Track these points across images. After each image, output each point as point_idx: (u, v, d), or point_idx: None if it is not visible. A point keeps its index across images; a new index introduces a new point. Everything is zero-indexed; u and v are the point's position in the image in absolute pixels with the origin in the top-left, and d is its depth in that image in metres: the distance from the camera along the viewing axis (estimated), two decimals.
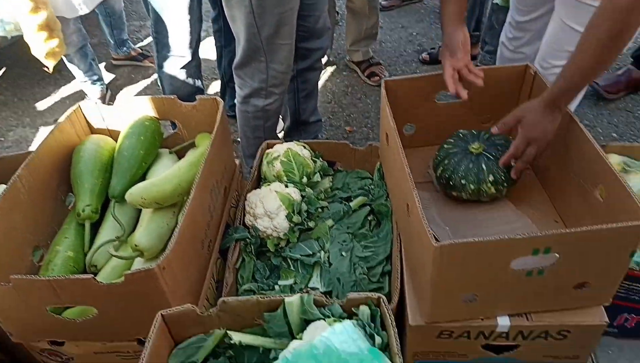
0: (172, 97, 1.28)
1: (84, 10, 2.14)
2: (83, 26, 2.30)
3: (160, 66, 1.90)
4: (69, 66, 2.37)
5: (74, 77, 2.55)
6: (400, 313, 1.07)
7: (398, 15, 3.05)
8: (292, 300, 0.78)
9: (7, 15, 2.01)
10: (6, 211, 1.00)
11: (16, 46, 2.51)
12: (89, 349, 0.99)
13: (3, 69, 2.74)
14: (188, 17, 1.77)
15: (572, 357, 1.05)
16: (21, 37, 2.00)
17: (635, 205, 0.86)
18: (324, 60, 2.51)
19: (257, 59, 1.54)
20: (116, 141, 1.27)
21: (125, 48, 2.79)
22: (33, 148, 2.20)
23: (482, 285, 0.92)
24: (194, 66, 1.94)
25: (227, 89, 2.20)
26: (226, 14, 1.52)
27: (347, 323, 0.67)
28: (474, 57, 2.57)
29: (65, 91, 2.59)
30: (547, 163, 1.22)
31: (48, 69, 2.07)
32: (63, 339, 0.99)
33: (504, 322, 0.98)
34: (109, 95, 2.57)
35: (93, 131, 1.33)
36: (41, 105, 2.51)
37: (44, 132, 2.40)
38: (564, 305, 0.97)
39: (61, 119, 1.24)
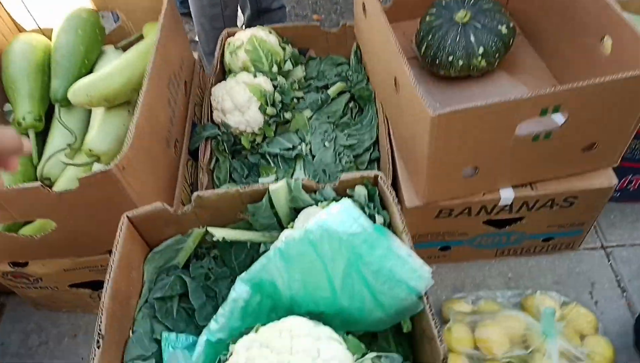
0: None
1: None
2: None
3: None
4: None
5: None
6: None
7: None
8: (278, 187, 0.68)
9: None
10: None
11: None
12: (56, 267, 0.90)
13: None
14: None
15: (577, 224, 1.01)
16: None
17: None
18: None
19: None
20: (44, 29, 1.08)
21: None
22: None
23: (484, 156, 0.84)
24: None
25: None
26: None
27: (346, 201, 0.58)
28: None
29: None
30: (540, 25, 1.10)
31: None
32: (25, 259, 0.89)
33: (507, 194, 0.92)
34: None
35: (21, 30, 1.13)
36: None
37: None
38: (570, 170, 0.90)
39: None
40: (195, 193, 0.68)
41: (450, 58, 1.06)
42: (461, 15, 1.06)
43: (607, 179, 0.91)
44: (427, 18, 1.12)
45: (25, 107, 0.97)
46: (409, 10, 1.24)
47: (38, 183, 0.70)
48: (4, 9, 1.10)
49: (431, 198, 0.91)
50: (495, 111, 0.75)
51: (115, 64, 0.94)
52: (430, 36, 1.09)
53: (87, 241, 0.85)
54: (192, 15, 1.57)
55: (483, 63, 1.06)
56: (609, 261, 1.13)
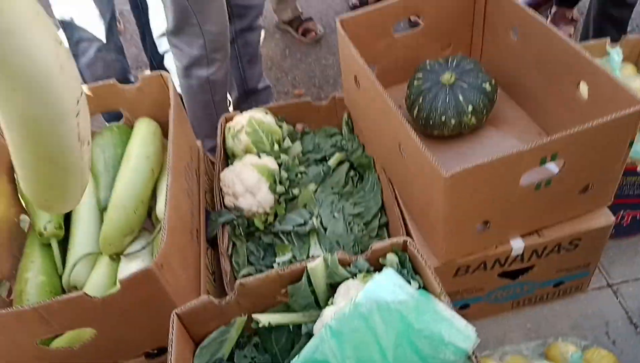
0: (110, 81, 1.15)
1: None
2: None
3: (76, 55, 1.66)
4: None
5: None
6: None
7: None
8: (316, 265, 0.71)
9: None
10: None
11: None
12: None
13: None
14: None
15: (583, 266, 1.06)
16: None
17: (625, 93, 0.85)
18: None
19: (188, 22, 1.41)
20: None
21: None
22: None
23: (494, 208, 0.89)
24: (115, 49, 1.71)
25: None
26: None
27: (388, 270, 0.62)
28: None
29: None
30: (516, 77, 1.20)
31: None
32: None
33: (518, 244, 0.97)
34: None
35: None
36: None
37: None
38: (571, 213, 0.97)
39: None
40: (237, 281, 0.71)
41: (443, 118, 1.14)
42: (447, 77, 1.15)
43: (605, 217, 0.97)
44: (415, 83, 1.20)
45: (45, 217, 0.99)
46: (393, 76, 1.33)
47: (81, 292, 0.72)
48: None
49: (449, 257, 0.95)
50: (500, 165, 0.81)
51: (120, 200, 0.96)
52: (421, 99, 1.17)
53: (122, 345, 0.85)
54: (184, 102, 1.63)
55: (473, 120, 1.14)
56: (617, 298, 1.18)
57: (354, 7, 2.56)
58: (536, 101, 1.15)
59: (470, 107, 1.12)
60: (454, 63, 1.17)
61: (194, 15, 1.37)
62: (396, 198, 1.10)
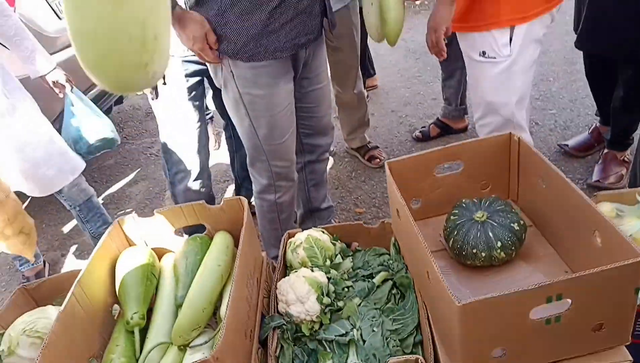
0: (200, 202, 1.43)
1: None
2: None
3: (173, 184, 2.04)
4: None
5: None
6: None
7: (386, 101, 3.30)
8: None
9: None
10: (66, 325, 1.10)
11: None
12: None
13: (29, 199, 2.93)
14: (194, 134, 1.94)
15: None
16: None
17: (628, 245, 0.96)
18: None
19: (259, 158, 1.70)
20: (153, 250, 1.39)
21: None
22: (65, 268, 2.33)
23: (507, 338, 1.00)
24: (206, 177, 2.09)
25: (242, 189, 2.37)
26: (232, 120, 1.71)
27: None
28: (463, 130, 2.76)
29: None
30: (546, 219, 1.33)
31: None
32: None
33: None
34: (47, 269, 2.37)
35: (130, 242, 1.45)
36: (67, 228, 2.67)
37: (73, 252, 2.54)
38: (587, 349, 1.04)
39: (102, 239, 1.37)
40: None
41: (474, 250, 1.28)
42: (479, 215, 1.31)
43: (621, 356, 1.03)
44: (452, 217, 1.37)
45: (133, 309, 1.23)
46: (436, 208, 1.51)
47: None
48: (121, 228, 1.43)
49: None
50: (509, 300, 0.93)
51: (195, 306, 1.17)
52: (455, 232, 1.33)
53: None
54: (257, 218, 1.90)
55: (502, 254, 1.27)
56: None
57: (417, 139, 2.83)
58: (563, 242, 1.27)
59: (499, 243, 1.26)
60: (487, 203, 1.33)
61: (264, 153, 1.67)
62: (428, 318, 1.23)
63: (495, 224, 1.28)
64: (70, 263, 2.47)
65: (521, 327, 0.98)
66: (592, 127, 2.40)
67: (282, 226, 1.86)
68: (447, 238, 1.36)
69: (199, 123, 1.96)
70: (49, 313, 1.30)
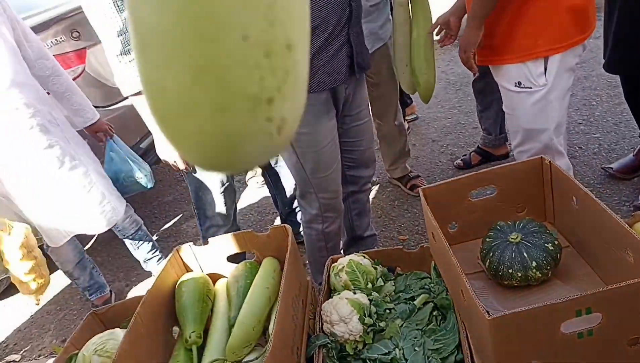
0: (249, 231, 1.55)
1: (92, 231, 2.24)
2: None
3: (205, 237, 2.19)
4: (69, 278, 2.40)
5: (156, 231, 2.93)
6: None
7: (427, 131, 3.38)
8: None
9: None
10: (132, 342, 1.23)
11: None
12: None
13: (95, 235, 3.18)
14: (221, 191, 2.09)
15: None
16: None
17: None
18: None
19: (307, 191, 1.81)
20: (208, 275, 1.52)
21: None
22: (129, 296, 2.51)
23: (540, 352, 1.03)
24: (234, 231, 2.24)
25: (287, 223, 2.50)
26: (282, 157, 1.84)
27: None
28: (505, 156, 2.79)
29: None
30: (582, 238, 1.36)
31: (37, 302, 2.20)
32: None
33: None
34: (113, 297, 2.59)
35: (187, 269, 1.59)
36: (130, 261, 2.88)
37: (136, 281, 2.73)
38: None
39: (158, 266, 1.51)
40: None
41: (510, 270, 1.33)
42: (514, 236, 1.36)
43: None
44: (487, 239, 1.42)
45: (191, 328, 1.35)
46: (473, 232, 1.56)
47: None
48: (179, 256, 1.57)
49: None
50: (538, 313, 0.98)
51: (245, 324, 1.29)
52: (491, 254, 1.38)
53: None
54: (305, 246, 2.00)
55: (538, 274, 1.30)
56: None
57: (458, 167, 2.87)
58: (599, 261, 1.29)
59: (534, 263, 1.30)
60: (521, 225, 1.38)
61: (312, 186, 1.78)
62: (467, 337, 1.27)
63: (529, 244, 1.32)
64: (134, 291, 2.66)
65: (553, 341, 1.02)
66: (637, 150, 2.37)
67: (329, 254, 1.95)
68: (484, 260, 1.41)
69: (227, 182, 2.11)
70: (117, 335, 1.44)
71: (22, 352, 2.43)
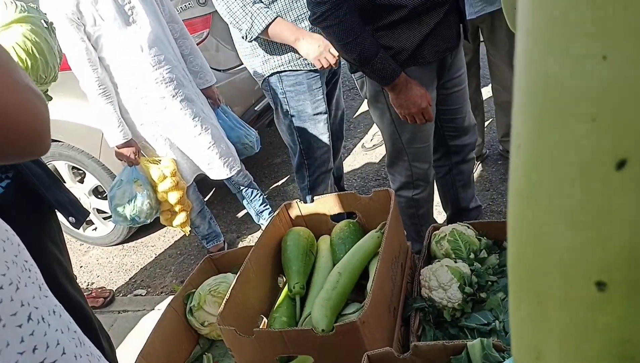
0: (353, 192, 1.58)
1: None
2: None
3: (313, 187, 2.25)
4: (190, 226, 2.57)
5: (265, 191, 3.10)
6: None
7: None
8: (475, 343, 0.93)
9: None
10: (242, 284, 1.34)
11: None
12: None
13: (213, 189, 3.44)
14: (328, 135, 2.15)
15: None
16: None
17: None
18: (478, 153, 2.69)
19: (401, 159, 1.80)
20: (310, 230, 1.59)
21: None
22: (240, 246, 2.71)
23: None
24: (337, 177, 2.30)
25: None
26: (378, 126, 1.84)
27: None
28: None
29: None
30: None
31: (187, 232, 2.48)
32: None
33: None
34: (226, 246, 2.78)
35: (294, 224, 1.67)
36: (242, 214, 3.08)
37: (246, 234, 2.93)
38: None
39: (267, 220, 1.60)
40: (413, 343, 0.97)
41: None
42: None
43: None
44: None
45: (295, 280, 1.43)
46: None
47: (310, 327, 1.08)
48: (287, 211, 1.66)
49: None
50: None
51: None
52: None
53: None
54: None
55: None
56: None
57: None
58: None
59: None
60: None
61: (406, 155, 1.77)
62: None
63: None
64: (244, 242, 2.86)
65: None
66: None
67: (420, 221, 1.93)
68: None
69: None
70: (229, 278, 1.58)
71: (147, 288, 2.74)
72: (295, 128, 2.12)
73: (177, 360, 1.48)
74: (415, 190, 1.87)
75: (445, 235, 1.54)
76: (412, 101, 1.54)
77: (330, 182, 2.33)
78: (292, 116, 2.10)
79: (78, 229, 1.80)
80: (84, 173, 2.87)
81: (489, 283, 1.44)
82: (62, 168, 2.87)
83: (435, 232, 1.60)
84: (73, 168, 2.89)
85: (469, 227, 1.58)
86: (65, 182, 2.86)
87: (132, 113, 2.21)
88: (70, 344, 0.57)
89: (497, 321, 1.32)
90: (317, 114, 2.10)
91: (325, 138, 2.15)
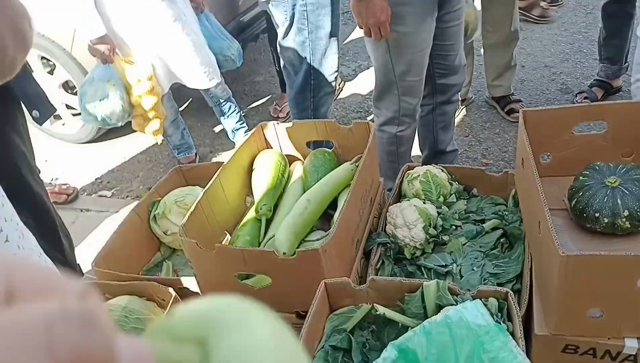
0: (332, 121, 1.54)
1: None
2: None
3: (317, 108, 2.18)
4: (162, 135, 2.52)
5: (244, 108, 3.01)
6: (526, 328, 1.16)
7: (541, 55, 3.07)
8: (430, 284, 0.94)
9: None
10: (209, 198, 1.31)
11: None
12: None
13: (190, 100, 3.34)
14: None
15: None
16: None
17: None
18: (463, 96, 2.65)
19: (391, 92, 1.75)
20: (285, 153, 1.56)
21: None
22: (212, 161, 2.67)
23: (608, 301, 0.99)
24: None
25: None
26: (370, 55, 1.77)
27: (478, 301, 0.82)
28: (618, 90, 2.50)
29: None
30: None
31: (159, 141, 2.45)
32: None
33: (631, 343, 1.03)
34: (198, 159, 2.75)
35: (269, 146, 1.64)
36: (217, 129, 3.02)
37: (219, 150, 2.89)
38: None
39: (242, 139, 1.56)
40: (370, 277, 0.98)
41: (597, 214, 1.24)
42: (612, 180, 1.25)
43: None
44: (581, 177, 1.32)
45: (263, 201, 1.41)
46: (567, 168, 1.45)
47: (271, 249, 1.08)
48: (262, 132, 1.61)
49: (559, 330, 1.06)
50: (616, 262, 0.92)
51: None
52: (581, 193, 1.29)
53: (284, 299, 1.18)
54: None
55: (627, 224, 1.21)
56: None
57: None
58: None
59: (626, 212, 1.20)
60: (624, 170, 1.26)
61: (397, 88, 1.72)
62: (531, 269, 1.24)
63: (627, 192, 1.21)
64: (217, 158, 2.83)
65: (626, 294, 0.96)
66: None
67: (399, 159, 1.92)
68: (571, 198, 1.32)
69: None
70: (196, 191, 1.55)
71: (113, 190, 2.71)
72: (311, 45, 2.02)
73: (137, 264, 1.48)
74: (400, 126, 1.84)
75: (419, 175, 1.53)
76: (371, 11, 1.48)
77: (332, 103, 2.27)
78: (310, 32, 1.99)
79: (41, 125, 1.72)
80: (54, 65, 2.72)
81: (453, 227, 1.46)
82: (31, 56, 2.71)
83: (409, 171, 1.59)
84: (42, 57, 2.73)
85: (442, 170, 1.57)
86: (33, 71, 2.71)
87: (108, 7, 2.06)
88: (14, 235, 0.55)
89: (454, 264, 1.35)
90: (334, 31, 2.01)
91: (336, 58, 2.07)
